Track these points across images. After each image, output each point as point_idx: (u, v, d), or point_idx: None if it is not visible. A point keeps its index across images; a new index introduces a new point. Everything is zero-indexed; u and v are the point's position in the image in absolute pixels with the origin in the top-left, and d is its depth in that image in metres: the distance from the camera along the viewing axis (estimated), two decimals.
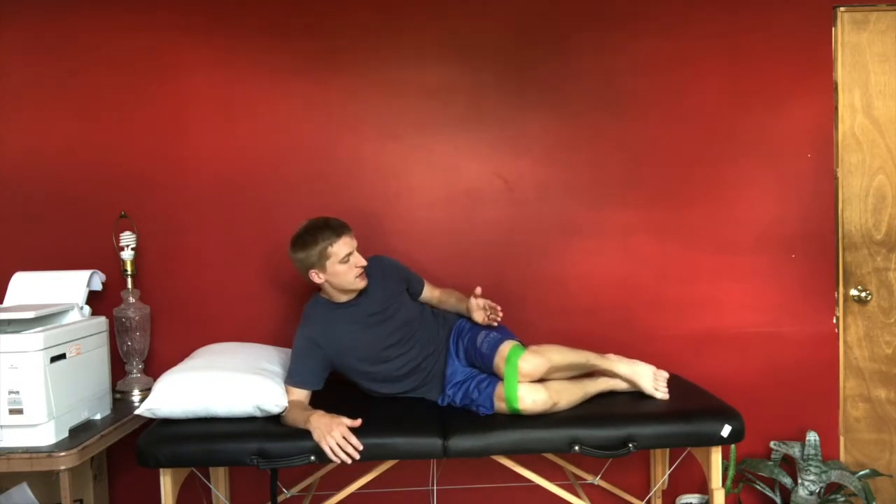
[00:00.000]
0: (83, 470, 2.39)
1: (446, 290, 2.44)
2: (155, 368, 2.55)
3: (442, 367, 2.29)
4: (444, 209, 2.64)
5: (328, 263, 2.14)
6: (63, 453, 1.87)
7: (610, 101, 2.64)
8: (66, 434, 1.98)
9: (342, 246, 2.13)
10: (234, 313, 2.59)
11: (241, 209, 2.59)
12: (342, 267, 2.14)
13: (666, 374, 2.24)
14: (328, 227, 2.15)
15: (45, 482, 2.32)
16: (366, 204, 2.61)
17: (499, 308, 2.23)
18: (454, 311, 2.40)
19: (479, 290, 2.26)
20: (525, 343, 2.19)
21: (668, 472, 2.56)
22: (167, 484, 1.99)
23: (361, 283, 2.19)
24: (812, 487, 2.47)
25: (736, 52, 2.64)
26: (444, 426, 2.02)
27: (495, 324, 2.24)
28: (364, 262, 2.17)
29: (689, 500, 2.67)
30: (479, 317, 2.26)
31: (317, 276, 2.17)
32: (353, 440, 1.90)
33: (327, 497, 2.19)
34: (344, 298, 2.23)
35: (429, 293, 2.41)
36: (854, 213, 2.68)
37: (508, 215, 2.64)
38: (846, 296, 2.69)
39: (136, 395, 2.41)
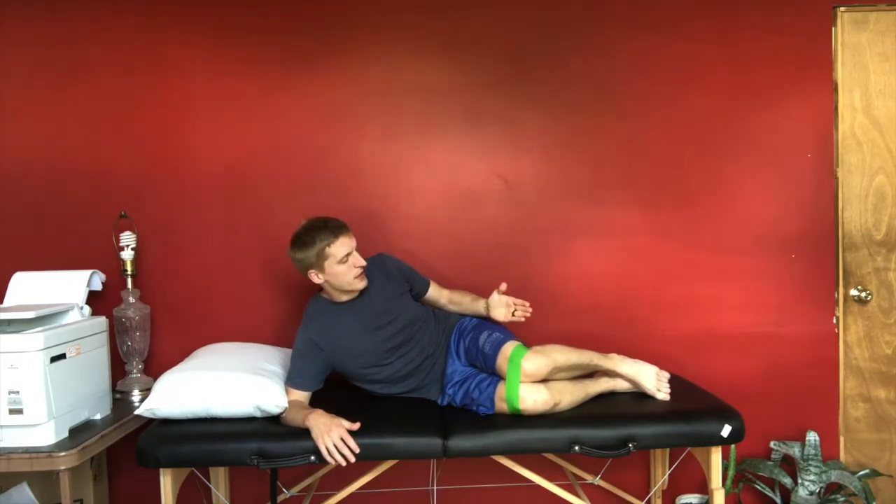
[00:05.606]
0: (83, 470, 2.39)
1: (457, 290, 2.43)
2: (155, 368, 2.55)
3: (442, 367, 2.29)
4: (444, 209, 2.64)
5: (326, 264, 2.14)
6: (63, 453, 1.86)
7: (610, 102, 2.63)
8: (66, 434, 1.98)
9: (340, 247, 2.12)
10: (234, 313, 2.59)
11: (241, 209, 2.59)
12: (341, 267, 2.14)
13: (668, 375, 2.24)
14: (326, 228, 2.14)
15: (45, 482, 2.32)
16: (366, 204, 2.61)
17: (528, 304, 2.25)
18: (470, 313, 2.37)
19: (503, 286, 2.26)
20: (525, 343, 2.18)
21: (668, 472, 2.56)
22: (167, 484, 1.99)
23: (361, 284, 2.19)
24: (812, 487, 2.47)
25: (736, 53, 2.64)
26: (444, 426, 2.02)
27: (522, 320, 2.25)
28: (363, 263, 2.16)
29: (689, 500, 2.67)
30: (501, 314, 2.25)
31: (316, 277, 2.17)
32: (351, 442, 1.90)
33: (327, 497, 2.19)
34: (344, 298, 2.22)
35: (436, 294, 2.40)
36: (854, 213, 2.68)
37: (508, 215, 2.64)
38: (846, 296, 2.69)
39: (136, 395, 2.41)
